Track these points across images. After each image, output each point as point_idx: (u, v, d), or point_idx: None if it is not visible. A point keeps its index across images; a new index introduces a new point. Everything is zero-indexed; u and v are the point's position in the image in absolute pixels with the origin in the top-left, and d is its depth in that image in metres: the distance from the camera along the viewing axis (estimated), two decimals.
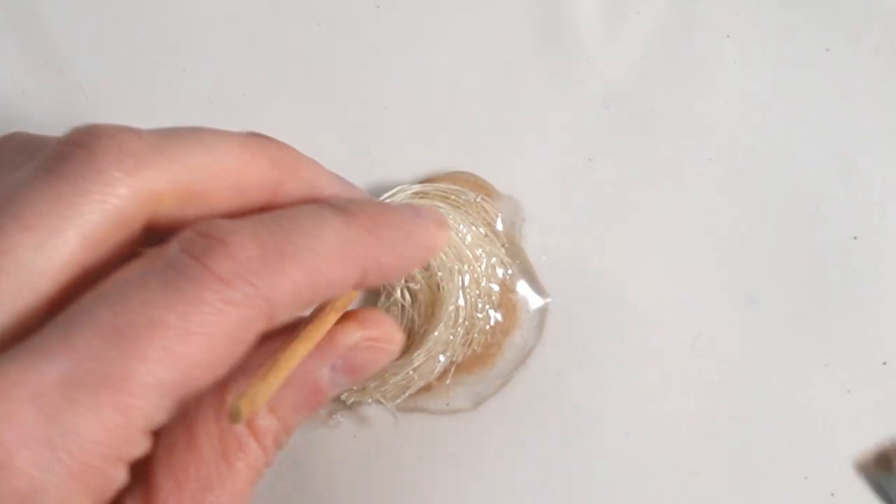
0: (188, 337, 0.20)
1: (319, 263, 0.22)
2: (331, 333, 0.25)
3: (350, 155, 0.34)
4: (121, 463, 0.20)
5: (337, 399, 0.32)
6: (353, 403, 0.32)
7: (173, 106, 0.35)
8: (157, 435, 0.23)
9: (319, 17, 0.36)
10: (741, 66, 0.35)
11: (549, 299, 0.33)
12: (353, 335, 0.25)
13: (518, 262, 0.33)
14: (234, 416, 0.21)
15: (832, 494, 0.32)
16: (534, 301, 0.33)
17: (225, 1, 0.36)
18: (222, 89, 0.35)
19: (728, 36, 0.35)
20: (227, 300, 0.20)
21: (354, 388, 0.31)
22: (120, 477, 0.20)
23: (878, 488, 0.31)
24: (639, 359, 0.33)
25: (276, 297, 0.21)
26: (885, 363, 0.33)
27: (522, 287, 0.33)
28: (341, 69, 0.35)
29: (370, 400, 0.32)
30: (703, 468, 0.32)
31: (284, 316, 0.22)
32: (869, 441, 0.32)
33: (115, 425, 0.19)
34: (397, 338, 0.27)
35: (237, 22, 0.36)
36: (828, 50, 0.35)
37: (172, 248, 0.21)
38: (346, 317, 0.26)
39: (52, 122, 0.33)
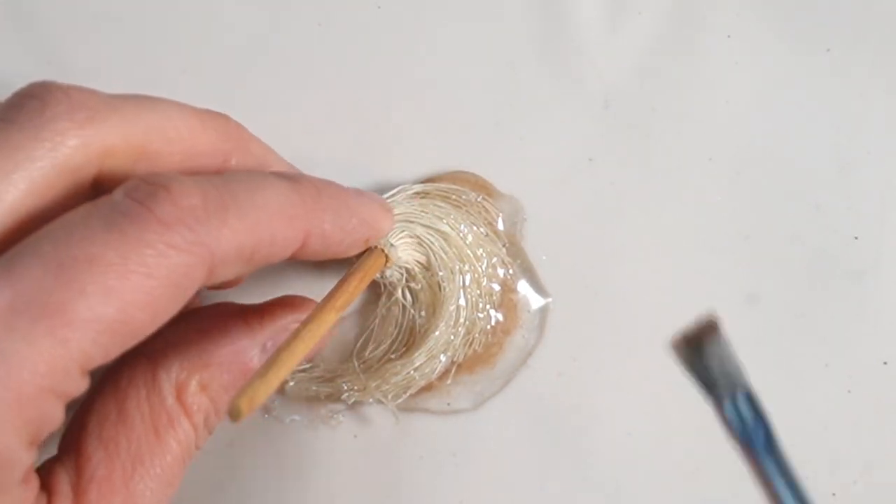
0: (128, 275, 0.20)
1: (261, 219, 0.22)
2: (261, 315, 0.26)
3: (350, 155, 0.34)
4: (57, 400, 0.20)
5: (337, 399, 0.32)
6: (353, 403, 0.32)
7: None
8: (90, 407, 0.24)
9: (319, 17, 0.36)
10: (741, 66, 0.35)
11: (549, 299, 0.33)
12: (284, 317, 0.26)
13: (519, 261, 0.33)
14: (234, 414, 0.21)
15: (833, 494, 0.32)
16: (535, 301, 0.33)
17: (225, 1, 0.36)
18: (222, 89, 0.35)
19: (728, 36, 0.35)
20: (167, 243, 0.21)
21: (356, 387, 0.31)
22: (56, 414, 0.20)
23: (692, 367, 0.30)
24: (639, 359, 0.33)
25: (217, 247, 0.21)
26: (885, 363, 0.33)
27: (523, 287, 0.33)
28: (341, 69, 0.35)
29: (371, 400, 0.32)
30: (703, 468, 0.32)
31: (225, 270, 0.22)
32: (870, 440, 0.32)
33: (52, 354, 0.19)
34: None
35: (237, 22, 0.36)
36: (828, 50, 0.35)
37: (118, 192, 0.21)
38: (279, 301, 0.26)
39: None
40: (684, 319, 0.33)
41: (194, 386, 0.24)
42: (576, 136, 0.35)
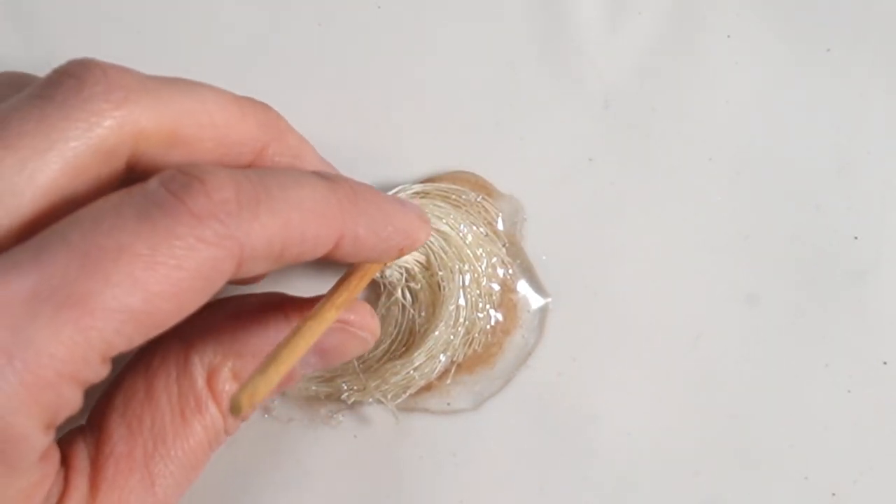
0: (155, 266, 0.20)
1: (294, 217, 0.22)
2: (301, 308, 0.25)
3: (350, 154, 0.34)
4: (76, 384, 0.20)
5: (337, 399, 0.32)
6: (353, 403, 0.32)
7: None
8: (120, 384, 0.24)
9: (320, 17, 0.36)
10: (741, 66, 0.35)
11: (549, 299, 0.33)
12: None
13: (518, 261, 0.33)
14: (235, 409, 0.21)
15: (832, 494, 0.32)
16: (534, 301, 0.33)
17: (225, 1, 0.36)
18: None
19: (728, 36, 0.35)
20: (198, 236, 0.20)
21: (355, 387, 0.31)
22: (74, 399, 0.20)
23: None
24: (639, 359, 0.33)
25: (247, 242, 0.21)
26: (885, 363, 0.33)
27: (523, 287, 0.33)
28: (341, 69, 0.35)
29: (371, 400, 0.32)
30: (703, 468, 0.32)
31: (255, 265, 0.22)
32: (870, 440, 0.32)
33: (73, 342, 0.19)
34: (373, 326, 0.27)
35: (237, 22, 0.36)
36: (828, 50, 0.35)
37: (153, 182, 0.21)
38: (321, 298, 0.26)
39: None
40: (684, 319, 0.33)
41: (226, 372, 0.24)
42: (576, 136, 0.35)
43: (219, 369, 0.24)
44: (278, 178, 0.23)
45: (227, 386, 0.24)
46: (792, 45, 0.36)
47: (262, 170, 0.23)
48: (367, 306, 0.27)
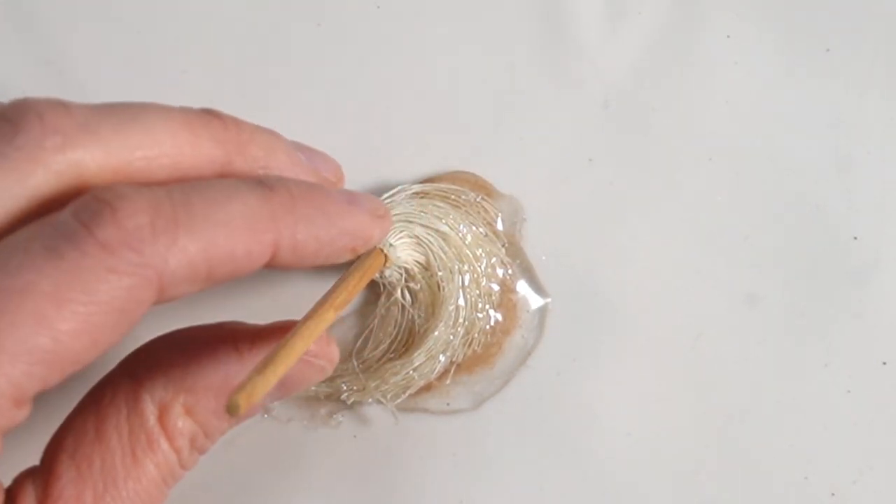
0: (63, 304, 0.19)
1: (218, 236, 0.21)
2: (252, 340, 0.25)
3: (350, 155, 0.34)
4: None
5: (337, 399, 0.32)
6: (353, 403, 0.32)
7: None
8: (70, 424, 0.23)
9: (319, 17, 0.36)
10: (741, 66, 0.35)
11: (549, 299, 0.33)
12: (276, 343, 0.24)
13: (518, 261, 0.33)
14: (232, 409, 0.21)
15: (832, 494, 0.32)
16: (534, 301, 0.33)
17: (225, 1, 0.36)
18: (222, 89, 0.35)
19: (728, 36, 0.35)
20: (108, 267, 0.20)
21: (355, 387, 0.31)
22: None
23: None
24: (639, 359, 0.33)
25: (165, 268, 0.20)
26: (885, 363, 0.33)
27: (522, 287, 0.33)
28: (341, 69, 0.35)
29: (370, 400, 0.32)
30: (703, 468, 0.32)
31: (179, 289, 0.21)
32: (869, 440, 0.32)
33: None
34: (330, 354, 0.26)
35: (237, 22, 0.36)
36: (828, 50, 0.35)
37: (66, 211, 0.20)
38: (271, 327, 0.25)
39: None
40: (684, 319, 0.33)
41: (178, 408, 0.24)
42: (576, 136, 0.35)
43: (170, 405, 0.24)
44: (204, 193, 0.22)
45: (180, 422, 0.24)
46: (792, 45, 0.36)
47: (188, 185, 0.22)
48: (325, 335, 0.26)
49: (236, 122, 0.25)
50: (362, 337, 0.32)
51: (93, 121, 0.22)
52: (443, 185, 0.33)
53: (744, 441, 0.32)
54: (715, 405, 0.32)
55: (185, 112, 0.24)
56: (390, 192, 0.32)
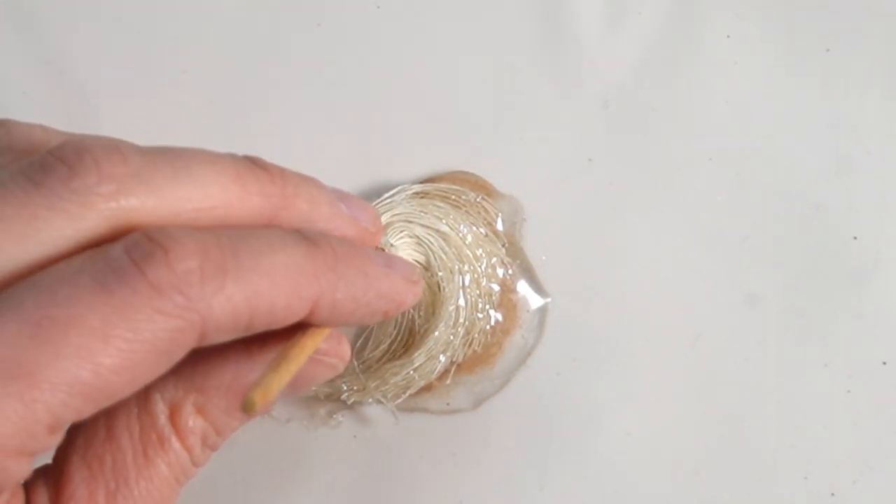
0: (108, 339, 0.19)
1: (263, 287, 0.21)
2: (263, 341, 0.24)
3: (350, 155, 0.34)
4: (20, 456, 0.20)
5: (337, 399, 0.32)
6: (353, 403, 0.32)
7: (173, 106, 0.35)
8: (80, 425, 0.23)
9: (319, 17, 0.36)
10: (741, 66, 0.35)
11: (549, 299, 0.33)
12: (285, 344, 0.24)
13: (518, 261, 0.33)
14: (248, 407, 0.21)
15: (832, 494, 0.32)
16: (534, 301, 0.33)
17: (225, 1, 0.36)
18: (222, 89, 0.35)
19: (728, 36, 0.35)
20: (156, 308, 0.20)
21: (355, 387, 0.31)
22: (19, 470, 0.20)
23: None
24: (639, 359, 0.33)
25: (210, 314, 0.20)
26: (884, 363, 0.33)
27: (523, 287, 0.33)
28: (341, 69, 0.35)
29: (371, 400, 0.32)
30: (703, 468, 0.32)
31: (220, 335, 0.21)
32: (869, 440, 0.32)
33: (17, 416, 0.19)
34: (342, 352, 0.26)
35: (237, 22, 0.36)
36: (828, 50, 0.35)
37: (117, 246, 0.21)
38: (281, 329, 0.25)
39: (52, 122, 0.33)
40: (684, 320, 0.33)
41: (189, 407, 0.24)
42: (576, 136, 0.35)
43: (181, 405, 0.24)
44: (251, 242, 0.22)
45: (191, 421, 0.24)
46: (791, 45, 0.36)
47: (235, 233, 0.22)
48: (336, 332, 0.26)
49: (282, 175, 0.25)
50: (362, 337, 0.32)
51: (146, 170, 0.22)
52: (443, 186, 0.33)
53: (744, 441, 0.32)
54: (715, 405, 0.32)
55: (235, 163, 0.24)
56: (390, 193, 0.32)
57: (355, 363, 0.32)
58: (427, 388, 0.32)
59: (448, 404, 0.32)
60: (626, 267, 0.34)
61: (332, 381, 0.32)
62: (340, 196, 0.27)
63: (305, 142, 0.35)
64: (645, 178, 0.34)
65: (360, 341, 0.32)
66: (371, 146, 0.35)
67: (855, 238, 0.34)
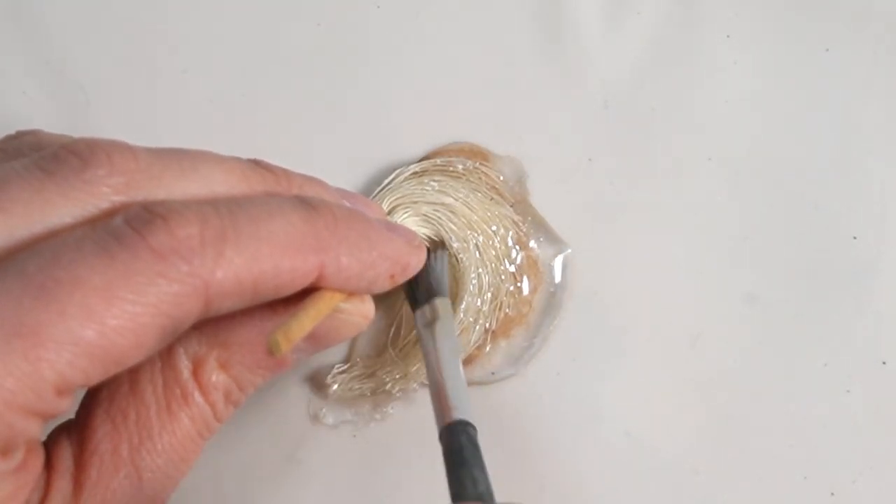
0: (112, 300, 0.20)
1: (263, 251, 0.22)
2: (287, 299, 0.25)
3: (350, 156, 0.34)
4: (28, 416, 0.20)
5: (383, 392, 0.31)
6: (399, 391, 0.32)
7: (174, 106, 0.35)
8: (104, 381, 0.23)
9: (319, 17, 0.36)
10: (741, 66, 0.35)
11: (569, 250, 0.33)
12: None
13: (529, 217, 0.33)
14: (273, 347, 0.21)
15: (832, 494, 0.32)
16: (553, 252, 0.33)
17: (225, 1, 0.36)
18: (222, 89, 0.35)
19: (728, 36, 0.36)
20: (158, 272, 0.20)
21: (397, 375, 0.31)
22: (27, 428, 0.20)
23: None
24: (639, 359, 0.33)
25: (212, 279, 0.21)
26: (884, 363, 0.33)
27: (539, 242, 0.33)
28: (341, 69, 0.35)
29: (415, 384, 0.31)
30: (703, 468, 0.32)
31: (225, 302, 0.22)
32: (869, 440, 0.32)
33: (21, 373, 0.19)
34: (364, 311, 0.26)
35: (237, 22, 0.36)
36: (828, 50, 0.35)
37: (117, 217, 0.21)
38: (306, 290, 0.25)
39: (52, 122, 0.33)
40: (684, 319, 0.33)
41: (213, 362, 0.24)
42: (575, 136, 0.35)
43: (204, 359, 0.24)
44: (249, 210, 0.22)
45: (214, 376, 0.24)
46: (791, 45, 0.36)
47: (234, 200, 0.23)
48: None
49: (287, 175, 0.26)
50: (394, 325, 0.32)
51: (155, 167, 0.23)
52: (438, 160, 0.33)
53: (744, 441, 0.32)
54: (715, 405, 0.32)
55: (240, 164, 0.25)
56: (388, 179, 0.32)
57: (391, 352, 0.32)
58: (469, 361, 0.32)
59: (493, 374, 0.32)
60: (626, 267, 0.34)
61: (372, 375, 0.32)
62: (345, 195, 0.27)
63: (305, 141, 0.35)
64: (645, 178, 0.34)
65: (392, 330, 0.32)
66: (371, 148, 0.35)
67: (855, 238, 0.34)
